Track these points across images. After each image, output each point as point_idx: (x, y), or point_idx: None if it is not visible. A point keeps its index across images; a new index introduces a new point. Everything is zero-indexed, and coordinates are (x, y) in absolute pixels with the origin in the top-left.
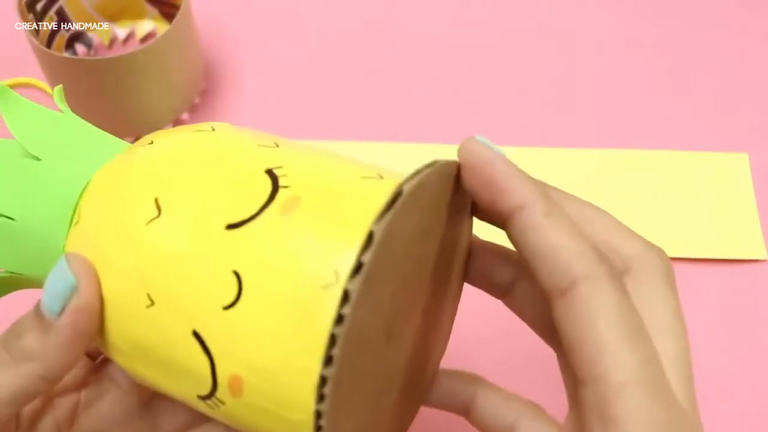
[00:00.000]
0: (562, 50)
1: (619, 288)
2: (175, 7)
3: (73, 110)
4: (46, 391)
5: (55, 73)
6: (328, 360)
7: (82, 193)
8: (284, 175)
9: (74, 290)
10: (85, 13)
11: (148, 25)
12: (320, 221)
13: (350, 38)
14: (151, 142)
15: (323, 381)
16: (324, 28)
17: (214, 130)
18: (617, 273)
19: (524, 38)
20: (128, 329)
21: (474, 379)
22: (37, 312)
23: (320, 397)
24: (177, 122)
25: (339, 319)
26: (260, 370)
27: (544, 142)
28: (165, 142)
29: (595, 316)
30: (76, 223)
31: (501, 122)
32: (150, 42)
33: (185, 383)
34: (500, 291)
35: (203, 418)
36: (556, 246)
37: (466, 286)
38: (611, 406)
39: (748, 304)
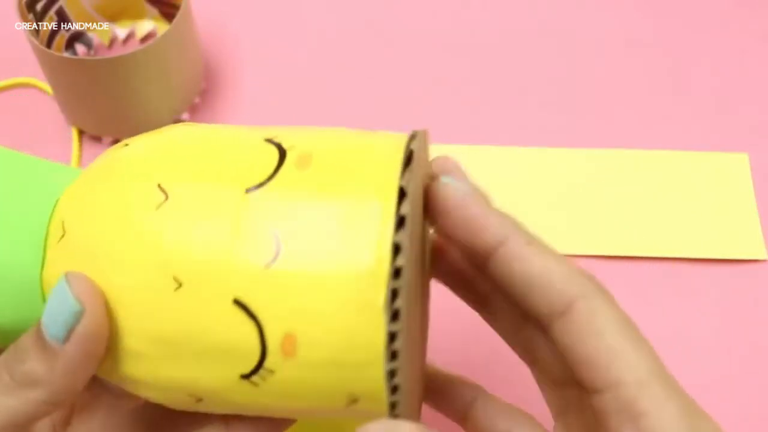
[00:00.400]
0: (562, 50)
1: (613, 301)
2: (175, 7)
3: (73, 110)
4: (51, 413)
5: (55, 73)
6: (395, 314)
7: (52, 213)
8: (284, 140)
9: (80, 315)
10: (85, 13)
11: (148, 25)
12: (341, 171)
13: (350, 38)
14: (127, 144)
15: (392, 336)
16: (324, 28)
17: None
18: (604, 287)
19: (524, 38)
20: (152, 324)
21: (474, 388)
22: (39, 336)
23: (391, 337)
24: (177, 122)
25: (396, 273)
26: (315, 318)
27: (544, 142)
28: (145, 138)
29: (601, 329)
30: (62, 237)
31: (501, 122)
32: (150, 42)
33: (225, 365)
34: (478, 301)
35: (202, 422)
36: (546, 271)
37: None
38: (638, 402)
39: (748, 304)
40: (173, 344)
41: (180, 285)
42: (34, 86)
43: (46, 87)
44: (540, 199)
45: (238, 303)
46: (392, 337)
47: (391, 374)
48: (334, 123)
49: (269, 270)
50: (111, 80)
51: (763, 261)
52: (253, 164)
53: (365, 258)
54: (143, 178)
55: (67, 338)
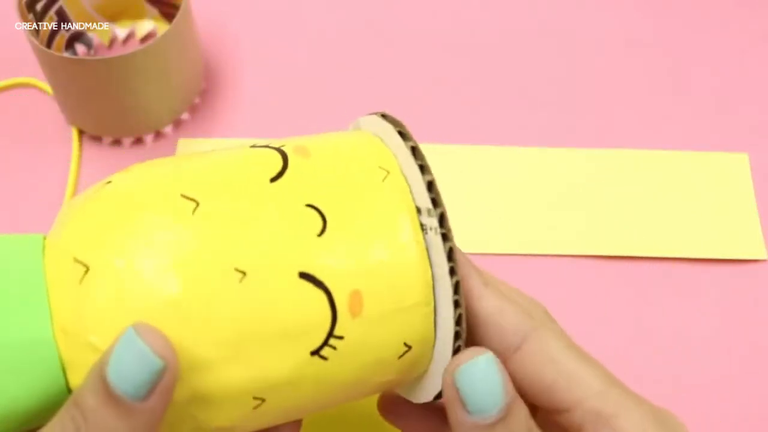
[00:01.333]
0: (562, 50)
1: (558, 330)
2: (175, 7)
3: (73, 110)
4: None
5: (55, 73)
6: (444, 237)
7: (43, 263)
8: (270, 143)
9: (163, 372)
10: (85, 13)
11: (148, 25)
12: (341, 149)
13: (350, 38)
14: (109, 182)
15: (450, 252)
16: (324, 28)
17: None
18: (549, 317)
19: (524, 38)
20: (219, 324)
21: None
22: (110, 395)
23: (449, 254)
24: (177, 122)
25: (434, 203)
26: (373, 270)
27: (544, 142)
28: (128, 171)
29: (556, 357)
30: (85, 273)
31: (501, 122)
32: (150, 42)
33: (296, 344)
34: None
35: None
36: (501, 311)
37: None
38: (605, 408)
39: (748, 304)
40: (242, 340)
41: (244, 274)
42: (34, 86)
43: (46, 87)
44: (540, 199)
45: (303, 275)
46: (450, 253)
47: (456, 289)
48: (334, 123)
49: (323, 238)
50: (111, 80)
51: (763, 261)
52: (259, 163)
53: (399, 203)
54: (161, 193)
55: (149, 395)
